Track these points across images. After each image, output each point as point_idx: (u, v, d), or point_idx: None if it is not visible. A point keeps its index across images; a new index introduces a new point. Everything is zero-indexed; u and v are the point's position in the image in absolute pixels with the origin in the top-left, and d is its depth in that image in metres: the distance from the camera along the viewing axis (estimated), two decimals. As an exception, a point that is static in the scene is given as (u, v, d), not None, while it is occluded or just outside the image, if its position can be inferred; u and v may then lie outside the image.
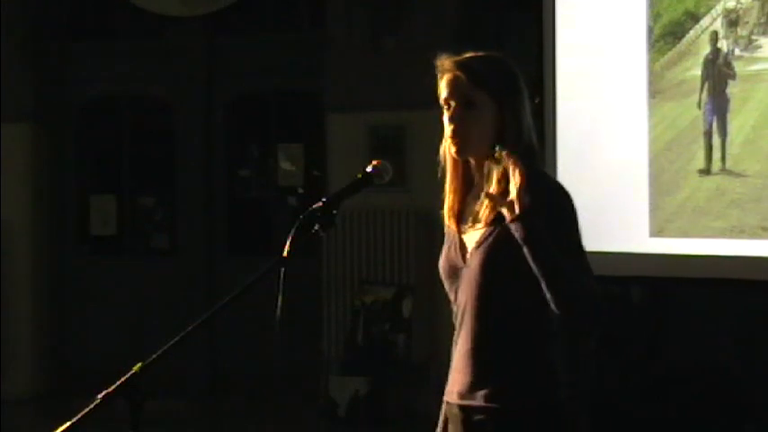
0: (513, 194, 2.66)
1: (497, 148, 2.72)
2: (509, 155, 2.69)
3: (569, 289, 2.69)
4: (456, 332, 2.89)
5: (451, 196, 2.91)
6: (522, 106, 2.83)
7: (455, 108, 2.82)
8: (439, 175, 2.93)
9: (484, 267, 2.77)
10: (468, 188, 2.90)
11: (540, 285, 2.70)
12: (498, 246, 2.76)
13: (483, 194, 2.78)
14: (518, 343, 2.78)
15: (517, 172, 2.66)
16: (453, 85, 2.82)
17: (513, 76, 2.86)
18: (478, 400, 2.80)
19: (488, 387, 2.78)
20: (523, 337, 2.78)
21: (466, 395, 2.83)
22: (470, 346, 2.83)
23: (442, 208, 2.93)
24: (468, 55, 2.86)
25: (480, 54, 2.87)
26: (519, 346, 2.78)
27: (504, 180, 2.72)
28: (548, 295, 2.68)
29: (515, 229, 2.68)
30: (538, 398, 2.78)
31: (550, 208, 2.73)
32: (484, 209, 2.81)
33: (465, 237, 2.87)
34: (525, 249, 2.68)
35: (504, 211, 2.70)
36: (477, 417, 2.81)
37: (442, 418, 2.93)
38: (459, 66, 2.82)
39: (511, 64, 2.88)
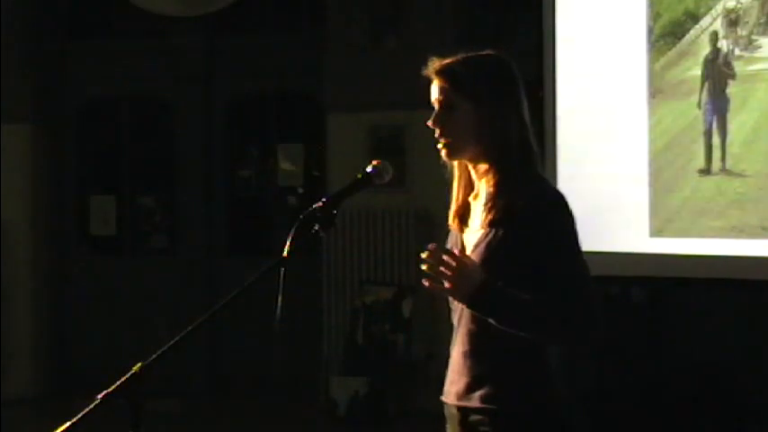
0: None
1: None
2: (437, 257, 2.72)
3: (553, 336, 2.74)
4: (454, 332, 2.89)
5: (455, 197, 2.93)
6: (506, 107, 2.82)
7: (436, 111, 2.86)
8: (447, 176, 2.94)
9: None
10: (472, 189, 2.91)
11: (536, 287, 2.71)
12: (494, 248, 2.76)
13: (486, 191, 2.82)
14: (515, 344, 2.77)
15: (446, 284, 2.72)
16: (437, 89, 2.86)
17: (497, 78, 2.85)
18: (475, 401, 2.80)
19: (485, 388, 2.78)
20: (520, 339, 2.77)
21: (463, 396, 2.83)
22: (467, 348, 2.83)
23: (448, 208, 2.95)
24: (454, 58, 2.87)
25: (468, 56, 2.88)
26: (515, 348, 2.77)
27: (492, 199, 2.79)
28: None
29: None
30: (534, 400, 2.78)
31: (532, 221, 2.73)
32: (482, 211, 2.82)
33: (465, 238, 2.88)
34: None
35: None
36: (474, 417, 2.81)
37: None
38: (440, 70, 2.85)
39: (500, 65, 2.88)
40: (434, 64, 2.85)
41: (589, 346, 2.79)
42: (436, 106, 2.86)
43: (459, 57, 2.87)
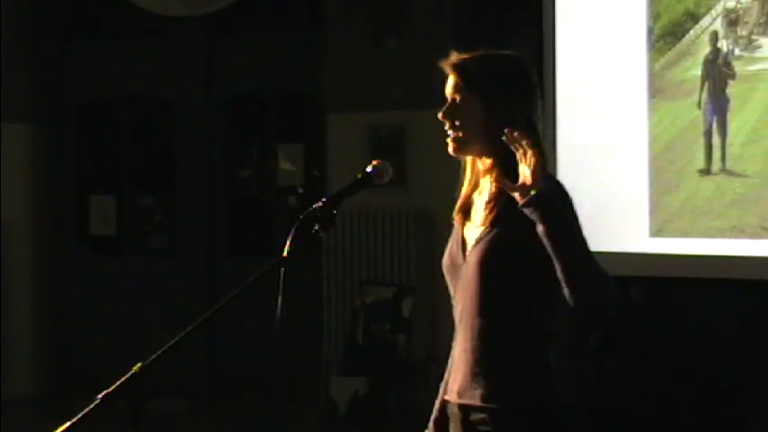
0: (526, 176, 2.65)
1: (506, 131, 2.69)
2: (520, 136, 2.67)
3: (587, 276, 2.66)
4: (455, 329, 2.89)
5: (463, 191, 2.93)
6: (516, 108, 2.82)
7: (447, 105, 2.87)
8: (456, 170, 2.95)
9: (480, 265, 2.78)
10: (478, 185, 2.92)
11: (538, 285, 2.71)
12: (496, 245, 2.76)
13: (489, 189, 2.82)
14: (515, 342, 2.78)
15: (530, 153, 2.65)
16: (450, 84, 2.87)
17: (511, 78, 2.86)
18: (476, 399, 2.80)
19: (485, 387, 2.78)
20: (521, 337, 2.77)
21: (464, 394, 2.83)
22: (468, 345, 2.83)
23: (450, 205, 2.96)
24: (472, 54, 2.88)
25: (485, 53, 2.89)
26: (516, 346, 2.78)
27: (494, 198, 2.77)
28: (563, 280, 2.65)
29: (530, 213, 2.66)
30: (535, 399, 2.77)
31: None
32: (485, 208, 2.83)
33: (467, 234, 2.88)
34: (542, 230, 2.64)
35: (517, 195, 2.68)
36: (475, 416, 2.81)
37: (434, 416, 2.96)
38: (454, 65, 2.86)
39: (516, 65, 2.88)
40: (452, 57, 2.87)
41: (588, 345, 2.78)
42: (448, 99, 2.88)
43: (477, 53, 2.88)
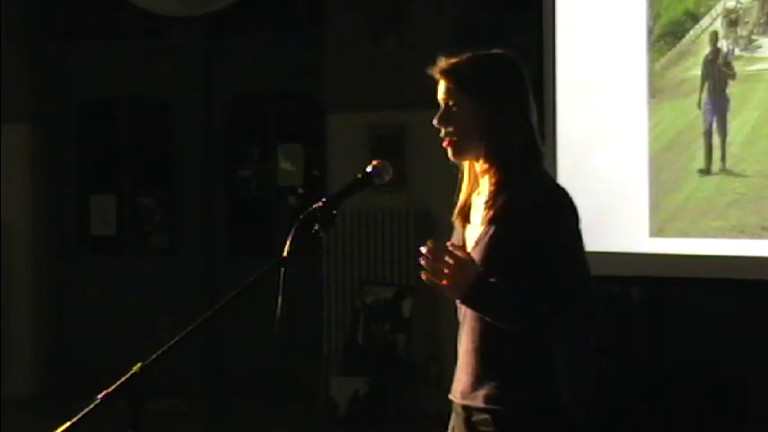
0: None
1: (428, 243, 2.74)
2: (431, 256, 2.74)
3: (551, 333, 2.75)
4: (459, 330, 2.89)
5: (461, 194, 2.94)
6: (509, 107, 2.83)
7: (441, 111, 2.88)
8: (454, 172, 2.96)
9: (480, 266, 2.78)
10: (477, 186, 2.92)
11: (537, 284, 2.72)
12: (495, 245, 2.77)
13: (487, 189, 2.83)
14: (516, 343, 2.78)
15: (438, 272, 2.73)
16: (441, 90, 2.88)
17: (502, 77, 2.86)
18: (479, 400, 2.80)
19: (488, 388, 2.79)
20: (521, 338, 2.77)
21: (467, 395, 2.84)
22: (471, 346, 2.84)
23: (452, 205, 2.97)
24: (460, 57, 2.88)
25: (474, 55, 2.89)
26: (517, 347, 2.78)
27: (492, 197, 2.80)
28: None
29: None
30: (537, 400, 2.78)
31: (535, 218, 2.73)
32: (483, 208, 2.83)
33: (467, 235, 2.89)
34: None
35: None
36: (477, 417, 2.81)
37: (453, 416, 2.95)
38: (445, 70, 2.87)
39: (506, 64, 2.89)
40: (441, 63, 2.87)
41: (588, 346, 2.79)
42: (441, 105, 2.88)
43: (466, 56, 2.88)
